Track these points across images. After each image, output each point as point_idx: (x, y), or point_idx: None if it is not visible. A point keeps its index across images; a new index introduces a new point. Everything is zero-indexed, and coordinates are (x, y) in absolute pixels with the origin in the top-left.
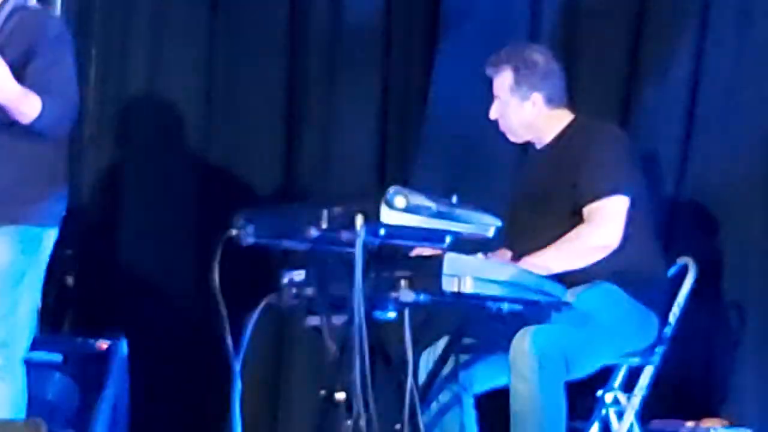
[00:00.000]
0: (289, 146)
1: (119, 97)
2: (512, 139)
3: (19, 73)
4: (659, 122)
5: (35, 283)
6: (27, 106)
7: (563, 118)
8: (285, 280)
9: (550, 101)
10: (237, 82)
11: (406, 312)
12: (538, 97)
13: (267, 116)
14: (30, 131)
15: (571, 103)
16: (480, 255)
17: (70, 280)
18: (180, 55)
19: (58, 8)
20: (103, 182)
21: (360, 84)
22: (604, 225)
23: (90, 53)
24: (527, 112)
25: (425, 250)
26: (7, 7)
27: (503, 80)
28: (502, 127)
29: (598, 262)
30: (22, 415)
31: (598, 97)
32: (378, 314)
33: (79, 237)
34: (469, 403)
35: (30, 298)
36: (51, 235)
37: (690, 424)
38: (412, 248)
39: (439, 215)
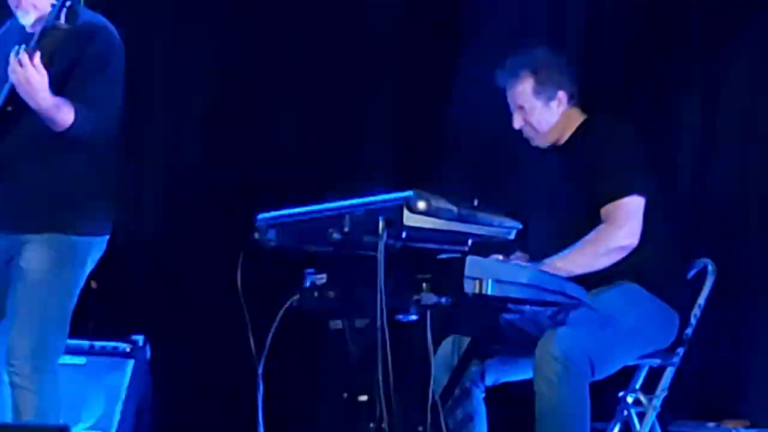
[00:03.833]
0: (312, 148)
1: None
2: (538, 143)
3: (63, 84)
4: (681, 121)
5: (70, 291)
6: (61, 114)
7: (577, 117)
8: (307, 283)
9: (571, 98)
10: (259, 85)
11: (428, 314)
12: (563, 95)
13: (290, 117)
14: (68, 142)
15: (588, 102)
16: (500, 257)
17: (93, 284)
18: (209, 63)
19: None
20: (126, 186)
21: (382, 86)
22: (624, 225)
23: None
24: (554, 112)
25: None
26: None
27: (524, 87)
28: (528, 133)
29: (618, 262)
30: (56, 422)
31: (617, 95)
32: (400, 317)
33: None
34: (479, 396)
35: (64, 306)
36: (91, 244)
37: (711, 425)
38: (434, 251)
39: (460, 218)
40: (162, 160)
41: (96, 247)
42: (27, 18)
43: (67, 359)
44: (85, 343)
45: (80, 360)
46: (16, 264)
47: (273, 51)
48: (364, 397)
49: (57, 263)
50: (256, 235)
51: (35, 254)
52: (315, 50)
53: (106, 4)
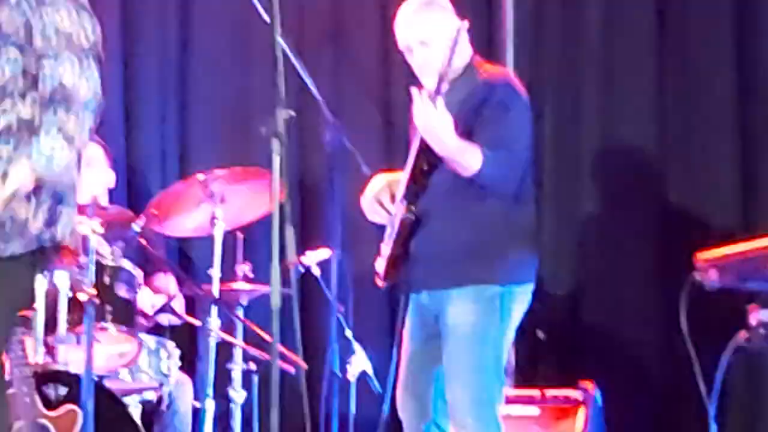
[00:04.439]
0: (746, 182)
1: (574, 151)
2: None
3: (468, 129)
4: None
5: (499, 341)
6: (466, 158)
7: None
8: (754, 321)
9: None
10: (688, 122)
11: None
12: None
13: (720, 157)
14: (481, 191)
15: None
16: None
17: (541, 333)
18: (630, 105)
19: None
20: (564, 232)
21: None
22: None
23: (543, 112)
24: None
25: None
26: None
27: None
28: None
29: None
30: None
31: None
32: None
33: (546, 289)
34: None
35: (496, 357)
36: (514, 293)
37: None
38: None
39: None
40: (597, 205)
41: (521, 296)
42: (431, 82)
43: (520, 410)
44: (537, 392)
45: (533, 410)
46: (443, 320)
47: (700, 85)
48: None
49: (483, 315)
50: (697, 276)
51: (460, 309)
52: (742, 79)
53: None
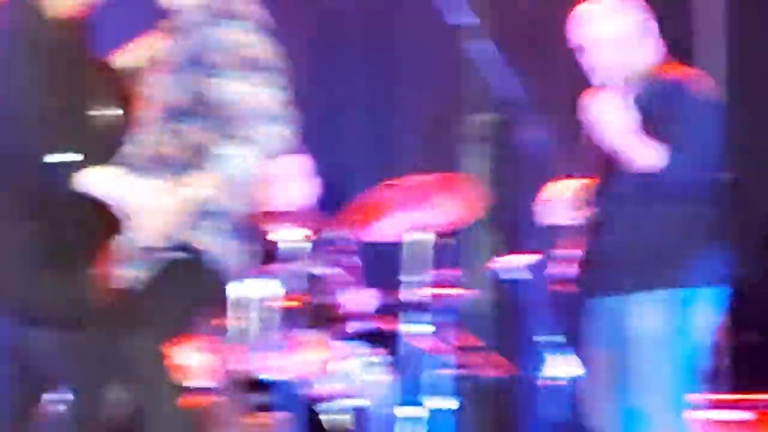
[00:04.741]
0: None
1: None
2: None
3: (651, 130)
4: None
5: (687, 345)
6: (643, 157)
7: None
8: None
9: None
10: None
11: None
12: None
13: None
14: (663, 190)
15: None
16: None
17: (752, 337)
18: None
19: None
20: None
21: None
22: None
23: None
24: None
25: None
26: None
27: None
28: None
29: None
30: None
31: None
32: None
33: (750, 289)
34: None
35: (683, 360)
36: (704, 295)
37: None
38: None
39: None
40: None
41: (710, 298)
42: (605, 81)
43: (733, 415)
44: (752, 397)
45: (747, 415)
46: (628, 325)
47: None
48: None
49: (668, 319)
50: None
51: (645, 313)
52: None
53: None
